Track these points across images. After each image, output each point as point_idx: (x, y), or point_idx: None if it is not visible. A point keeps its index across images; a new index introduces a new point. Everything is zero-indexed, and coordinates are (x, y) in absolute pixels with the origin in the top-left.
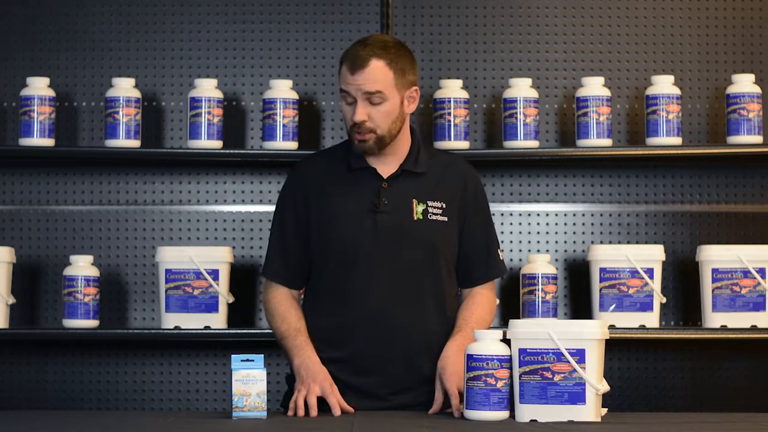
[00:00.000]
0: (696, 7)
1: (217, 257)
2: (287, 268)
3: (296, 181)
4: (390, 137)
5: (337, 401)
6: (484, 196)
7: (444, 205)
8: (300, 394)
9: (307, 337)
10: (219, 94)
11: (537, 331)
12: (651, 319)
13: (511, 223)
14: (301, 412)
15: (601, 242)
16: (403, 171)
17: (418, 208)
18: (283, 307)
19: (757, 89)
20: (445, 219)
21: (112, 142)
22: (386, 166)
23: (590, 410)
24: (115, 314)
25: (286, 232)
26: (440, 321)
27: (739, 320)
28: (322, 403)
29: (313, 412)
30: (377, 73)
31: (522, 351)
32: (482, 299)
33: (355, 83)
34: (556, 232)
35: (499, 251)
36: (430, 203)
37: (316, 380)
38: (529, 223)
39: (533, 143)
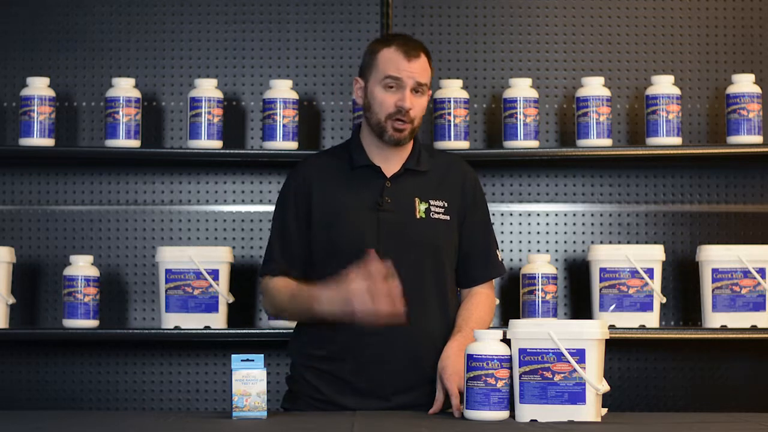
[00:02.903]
0: (696, 7)
1: (217, 257)
2: (288, 266)
3: (298, 180)
4: (416, 132)
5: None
6: (483, 196)
7: (446, 204)
8: (362, 305)
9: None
10: (219, 94)
11: (537, 331)
12: (651, 319)
13: (511, 223)
14: (387, 309)
15: (601, 242)
16: (406, 170)
17: (421, 207)
18: (280, 283)
19: (757, 89)
20: (447, 218)
21: (112, 142)
22: (389, 165)
23: (590, 410)
24: (115, 314)
25: (288, 231)
26: (443, 319)
27: (739, 320)
28: (322, 403)
29: (398, 304)
30: (426, 65)
31: (522, 351)
32: (482, 298)
33: (409, 70)
34: (556, 232)
35: (497, 251)
36: (432, 202)
37: (360, 276)
38: (529, 223)
39: (533, 143)
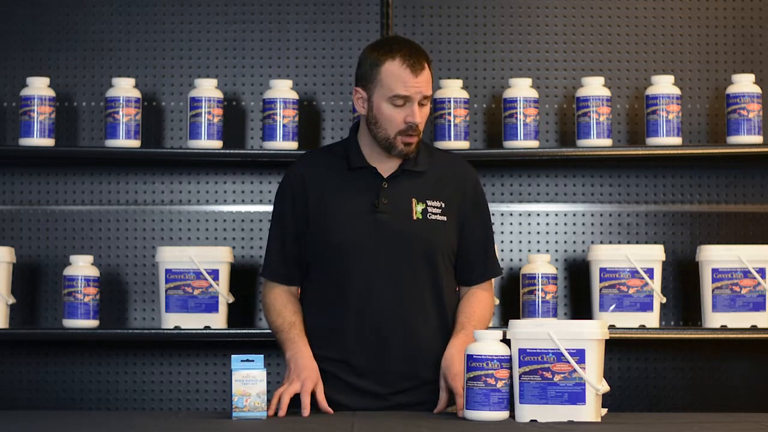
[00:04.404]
0: (696, 7)
1: (217, 257)
2: (286, 266)
3: (294, 180)
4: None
5: (308, 402)
6: (483, 196)
7: (443, 205)
8: (279, 389)
9: (301, 331)
10: (219, 94)
11: (537, 331)
12: (651, 319)
13: (511, 223)
14: (272, 412)
15: (601, 242)
16: (403, 170)
17: (418, 208)
18: (280, 303)
19: (757, 89)
20: (444, 219)
21: (112, 142)
22: (386, 166)
23: (590, 410)
24: (115, 314)
25: (285, 230)
26: (439, 320)
27: (739, 320)
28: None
29: (281, 412)
30: (429, 74)
31: (522, 351)
32: (482, 296)
33: (417, 86)
34: (556, 232)
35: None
36: (429, 203)
37: (300, 377)
38: (529, 223)
39: (533, 143)
